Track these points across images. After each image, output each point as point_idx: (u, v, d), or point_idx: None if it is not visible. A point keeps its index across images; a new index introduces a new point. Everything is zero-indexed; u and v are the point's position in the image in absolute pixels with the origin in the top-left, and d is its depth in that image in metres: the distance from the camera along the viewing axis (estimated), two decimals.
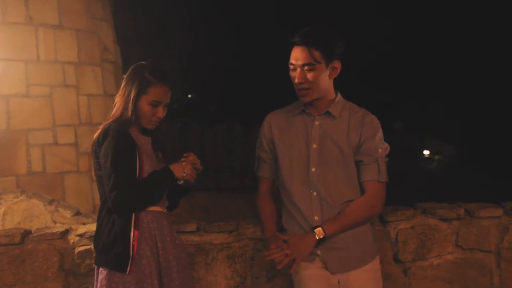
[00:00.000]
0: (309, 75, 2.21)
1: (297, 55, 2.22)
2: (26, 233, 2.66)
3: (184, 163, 2.27)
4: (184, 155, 2.31)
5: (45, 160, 5.19)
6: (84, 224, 2.95)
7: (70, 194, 5.30)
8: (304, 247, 2.20)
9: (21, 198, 4.20)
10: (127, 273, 2.12)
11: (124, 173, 2.13)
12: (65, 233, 2.68)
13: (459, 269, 2.92)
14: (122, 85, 2.28)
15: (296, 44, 2.23)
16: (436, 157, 23.90)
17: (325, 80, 2.25)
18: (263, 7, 20.61)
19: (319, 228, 2.21)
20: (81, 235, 2.65)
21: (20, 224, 4.08)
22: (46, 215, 4.14)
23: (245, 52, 20.58)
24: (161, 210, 2.29)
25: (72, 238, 2.67)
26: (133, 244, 2.14)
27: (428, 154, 24.08)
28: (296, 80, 2.24)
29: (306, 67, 2.21)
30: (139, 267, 2.15)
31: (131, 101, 2.22)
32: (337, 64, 2.26)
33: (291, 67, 2.26)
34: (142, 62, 2.30)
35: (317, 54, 2.19)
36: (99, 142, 2.19)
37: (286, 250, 2.18)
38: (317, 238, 2.20)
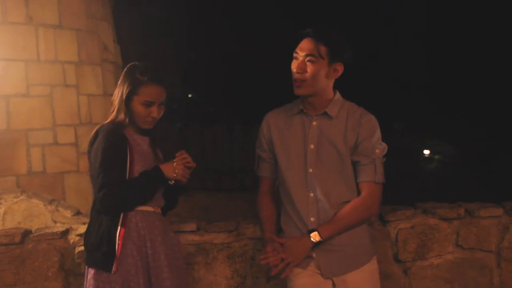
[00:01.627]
0: (309, 67, 2.19)
1: (303, 46, 2.20)
2: (27, 233, 2.66)
3: (175, 163, 2.25)
4: (177, 154, 2.28)
5: (45, 160, 5.19)
6: (84, 224, 2.94)
7: (70, 194, 5.30)
8: (299, 251, 2.19)
9: (21, 198, 4.19)
10: (112, 272, 2.12)
11: (112, 173, 2.12)
12: (65, 233, 2.68)
13: (459, 268, 2.92)
14: (117, 87, 2.29)
15: (305, 36, 2.22)
16: (436, 157, 23.84)
17: (323, 78, 2.22)
18: (263, 7, 20.61)
19: (315, 232, 2.19)
20: (81, 235, 2.65)
21: (20, 224, 4.07)
22: (47, 215, 4.13)
23: (245, 52, 20.56)
24: (153, 210, 2.27)
25: (72, 237, 2.67)
26: (118, 243, 2.14)
27: (428, 154, 24.03)
28: (294, 69, 2.22)
29: (308, 58, 2.19)
30: (124, 267, 2.14)
31: (123, 102, 2.22)
32: (339, 67, 2.24)
33: (295, 55, 2.24)
34: (134, 63, 2.29)
35: (323, 49, 2.17)
36: (91, 143, 2.21)
37: (282, 254, 2.18)
38: (313, 241, 2.19)
